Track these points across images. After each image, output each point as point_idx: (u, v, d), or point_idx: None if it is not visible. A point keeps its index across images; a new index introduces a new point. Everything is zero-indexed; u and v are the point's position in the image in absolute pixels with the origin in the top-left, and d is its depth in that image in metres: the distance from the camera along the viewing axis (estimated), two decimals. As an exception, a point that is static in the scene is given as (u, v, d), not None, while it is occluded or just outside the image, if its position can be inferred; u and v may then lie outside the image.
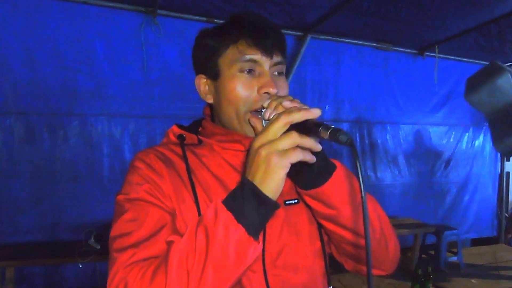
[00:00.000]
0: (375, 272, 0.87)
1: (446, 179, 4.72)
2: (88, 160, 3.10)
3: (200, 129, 0.92)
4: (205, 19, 3.10)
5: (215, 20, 3.07)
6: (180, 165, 0.82)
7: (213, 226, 0.64)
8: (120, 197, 0.78)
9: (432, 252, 4.12)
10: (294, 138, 0.63)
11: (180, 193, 0.78)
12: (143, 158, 0.82)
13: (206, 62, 0.84)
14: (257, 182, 0.64)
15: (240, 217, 0.63)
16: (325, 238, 0.88)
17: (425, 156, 4.58)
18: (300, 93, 3.79)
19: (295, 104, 0.69)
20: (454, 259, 4.05)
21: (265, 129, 0.66)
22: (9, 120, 2.85)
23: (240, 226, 0.63)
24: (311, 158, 0.66)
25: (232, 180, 0.82)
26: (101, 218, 2.97)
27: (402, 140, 4.43)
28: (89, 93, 3.02)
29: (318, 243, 0.86)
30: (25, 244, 2.91)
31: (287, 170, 0.64)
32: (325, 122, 0.64)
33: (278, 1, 2.86)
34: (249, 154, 0.67)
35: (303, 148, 0.64)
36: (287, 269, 0.80)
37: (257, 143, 0.65)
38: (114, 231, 0.74)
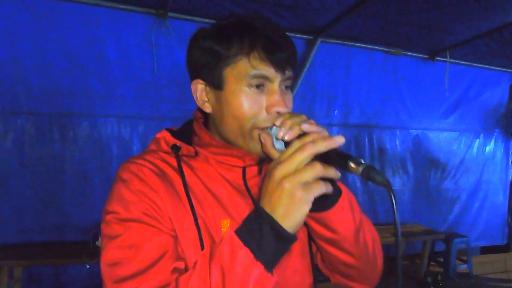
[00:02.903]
0: (361, 287, 0.87)
1: (456, 186, 4.65)
2: (97, 161, 3.11)
3: (194, 137, 0.84)
4: (215, 21, 3.10)
5: (226, 23, 3.07)
6: (176, 179, 0.75)
7: (230, 263, 0.60)
8: (109, 216, 0.69)
9: (441, 260, 4.07)
10: (319, 170, 0.59)
11: (179, 212, 0.71)
12: (134, 171, 0.73)
13: (209, 68, 0.76)
14: (277, 216, 0.60)
15: (258, 254, 0.60)
16: (314, 249, 0.86)
17: (435, 162, 4.52)
18: (309, 97, 3.77)
19: (313, 127, 0.65)
20: (463, 267, 4.00)
21: (287, 158, 0.61)
22: (20, 120, 2.87)
23: (259, 263, 0.60)
24: (331, 191, 0.63)
25: (227, 196, 0.77)
26: (109, 219, 2.97)
27: (411, 146, 4.38)
28: (99, 94, 3.03)
29: (308, 258, 0.85)
30: (33, 244, 2.91)
31: (310, 205, 0.60)
32: (346, 152, 0.62)
33: (288, 5, 2.85)
34: (268, 182, 0.62)
35: (324, 178, 0.62)
36: (279, 287, 0.79)
37: (280, 173, 0.60)
38: (107, 258, 0.66)
